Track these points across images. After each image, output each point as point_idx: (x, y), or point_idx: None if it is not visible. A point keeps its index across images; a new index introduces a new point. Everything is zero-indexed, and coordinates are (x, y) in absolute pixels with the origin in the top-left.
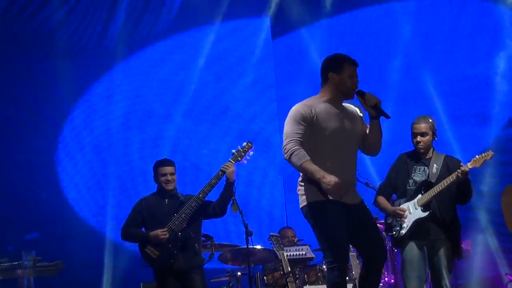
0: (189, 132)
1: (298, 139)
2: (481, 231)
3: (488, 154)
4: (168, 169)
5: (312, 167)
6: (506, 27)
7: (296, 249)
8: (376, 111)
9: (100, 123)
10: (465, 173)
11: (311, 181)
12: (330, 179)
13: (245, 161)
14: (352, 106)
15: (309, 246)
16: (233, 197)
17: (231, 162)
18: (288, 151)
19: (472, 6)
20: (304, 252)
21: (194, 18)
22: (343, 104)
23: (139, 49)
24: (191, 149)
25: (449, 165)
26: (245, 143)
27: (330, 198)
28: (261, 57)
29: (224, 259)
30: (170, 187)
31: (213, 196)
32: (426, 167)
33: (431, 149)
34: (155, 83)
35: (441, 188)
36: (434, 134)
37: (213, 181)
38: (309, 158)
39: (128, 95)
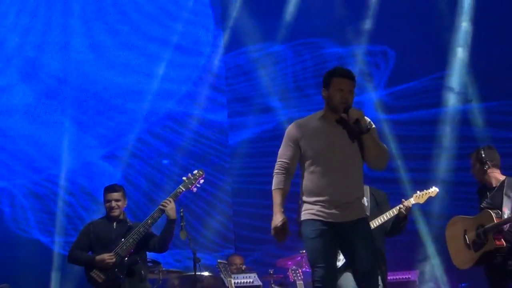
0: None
1: (284, 161)
2: (429, 262)
3: (432, 191)
4: (114, 195)
5: (275, 199)
6: None
7: (243, 277)
8: (357, 127)
9: None
10: (408, 209)
11: (304, 201)
12: (274, 220)
13: (195, 189)
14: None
15: (256, 274)
16: (183, 223)
17: (170, 200)
18: (273, 173)
19: None
20: (251, 280)
21: None
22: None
23: None
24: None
25: (376, 198)
26: (196, 171)
27: (317, 218)
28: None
29: (171, 285)
30: (114, 213)
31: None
32: None
33: None
34: None
35: (381, 222)
36: None
37: (155, 214)
38: (281, 186)
39: None
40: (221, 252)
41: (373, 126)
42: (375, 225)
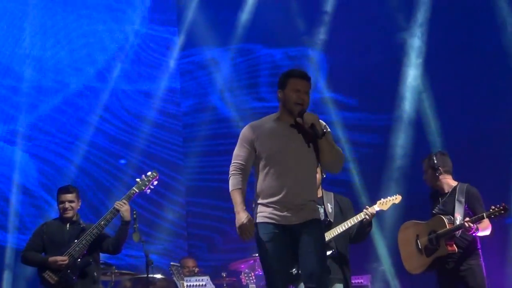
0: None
1: (239, 162)
2: (380, 266)
3: (396, 198)
4: (67, 196)
5: (236, 199)
6: None
7: (196, 280)
8: (312, 131)
9: None
10: (372, 216)
11: (258, 202)
12: (239, 219)
13: (148, 191)
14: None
15: (209, 276)
16: (136, 225)
17: (124, 201)
18: (229, 174)
19: None
20: (204, 283)
21: None
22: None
23: None
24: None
25: (340, 205)
26: (149, 173)
27: (270, 221)
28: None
29: (124, 287)
30: (67, 214)
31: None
32: (319, 206)
33: (320, 188)
34: None
35: (345, 228)
36: (322, 171)
37: (108, 216)
38: (239, 186)
39: None
40: (174, 255)
41: (328, 130)
42: (338, 231)
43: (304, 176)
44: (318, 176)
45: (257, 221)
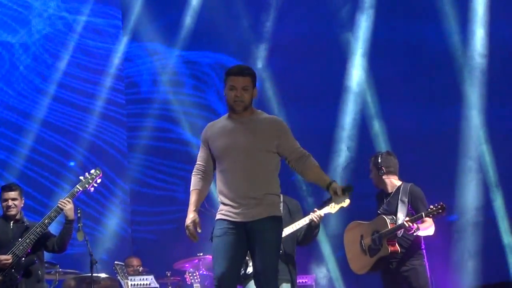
0: None
1: (199, 163)
2: (325, 266)
3: (344, 201)
4: (10, 194)
5: (191, 199)
6: None
7: (140, 279)
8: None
9: None
10: (320, 218)
11: (219, 201)
12: (187, 219)
13: (92, 188)
14: (268, 120)
15: (154, 275)
16: (80, 224)
17: (68, 200)
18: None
19: None
20: (148, 282)
21: None
22: (261, 117)
23: None
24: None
25: (289, 207)
26: (93, 170)
27: (225, 217)
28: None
29: (68, 286)
30: (11, 212)
31: None
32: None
33: None
34: None
35: (292, 230)
36: None
37: (52, 214)
38: (196, 187)
39: None
40: (118, 254)
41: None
42: (286, 233)
43: (253, 172)
44: None
45: (216, 218)
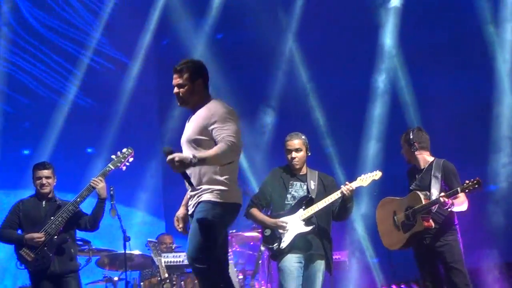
0: None
1: None
2: (358, 243)
3: (376, 174)
4: (44, 172)
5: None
6: None
7: (173, 256)
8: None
9: None
10: (351, 191)
11: None
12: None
13: (124, 167)
14: (206, 109)
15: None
16: (112, 202)
17: (100, 178)
18: None
19: None
20: (181, 259)
21: None
22: (206, 106)
23: None
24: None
25: (324, 183)
26: (125, 149)
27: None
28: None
29: (102, 264)
30: (44, 190)
31: None
32: (302, 183)
33: (305, 165)
34: None
35: (325, 204)
36: (307, 150)
37: (84, 193)
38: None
39: None
40: (151, 231)
41: (196, 160)
42: (319, 207)
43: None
44: (303, 154)
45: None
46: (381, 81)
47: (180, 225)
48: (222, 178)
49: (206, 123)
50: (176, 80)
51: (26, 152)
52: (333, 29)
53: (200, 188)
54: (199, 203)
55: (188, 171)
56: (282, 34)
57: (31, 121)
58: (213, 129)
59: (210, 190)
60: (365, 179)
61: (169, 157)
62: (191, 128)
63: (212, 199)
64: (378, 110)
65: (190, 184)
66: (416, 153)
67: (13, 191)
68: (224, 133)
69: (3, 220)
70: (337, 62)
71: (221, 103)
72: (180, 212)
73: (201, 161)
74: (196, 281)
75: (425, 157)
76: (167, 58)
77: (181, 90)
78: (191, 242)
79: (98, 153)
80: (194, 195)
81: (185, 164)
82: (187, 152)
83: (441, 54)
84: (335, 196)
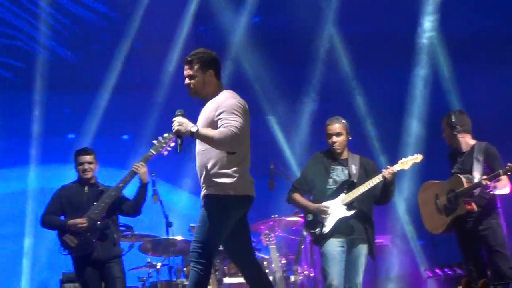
0: None
1: None
2: (401, 227)
3: (417, 157)
4: (86, 158)
5: None
6: None
7: None
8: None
9: None
10: (393, 175)
11: None
12: None
13: (165, 152)
14: (215, 100)
15: None
16: (154, 187)
17: (141, 163)
18: None
19: None
20: None
21: None
22: (216, 97)
23: None
24: None
25: (366, 166)
26: (166, 134)
27: None
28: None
29: (145, 249)
30: (87, 175)
31: None
32: (344, 167)
33: (346, 150)
34: None
35: (367, 188)
36: (348, 134)
37: (126, 178)
38: None
39: None
40: (193, 216)
41: (195, 129)
42: (361, 191)
43: (199, 150)
44: (344, 138)
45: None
46: (422, 68)
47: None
48: (228, 171)
49: (213, 114)
50: (187, 71)
51: (71, 136)
52: (374, 14)
53: (206, 181)
54: (204, 196)
55: (197, 159)
56: (322, 20)
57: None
58: (218, 119)
59: (215, 183)
60: (406, 162)
61: (175, 118)
62: (201, 120)
63: (216, 193)
64: (419, 93)
65: (180, 149)
66: (458, 136)
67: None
68: (228, 123)
69: (46, 206)
70: (379, 48)
71: (231, 95)
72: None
73: (199, 136)
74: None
75: (467, 140)
76: (205, 45)
77: (192, 81)
78: (195, 235)
79: (137, 140)
80: (202, 187)
81: (183, 129)
82: (199, 145)
83: (485, 44)
84: (376, 180)
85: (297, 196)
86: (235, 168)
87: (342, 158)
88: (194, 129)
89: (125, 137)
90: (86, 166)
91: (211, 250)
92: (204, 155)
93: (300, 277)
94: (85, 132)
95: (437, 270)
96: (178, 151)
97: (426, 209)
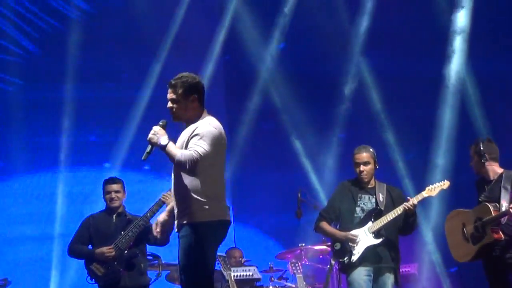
0: None
1: None
2: (427, 255)
3: (444, 184)
4: (113, 186)
5: None
6: None
7: (243, 270)
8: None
9: None
10: (413, 206)
11: None
12: None
13: None
14: (195, 125)
15: (256, 267)
16: None
17: (170, 193)
18: None
19: None
20: (251, 273)
21: None
22: (195, 124)
23: None
24: None
25: (392, 195)
26: None
27: None
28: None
29: (172, 278)
30: (114, 204)
31: None
32: (371, 196)
33: (373, 178)
34: None
35: (394, 216)
36: (375, 163)
37: (154, 207)
38: None
39: None
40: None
41: (164, 143)
42: (388, 219)
43: (175, 178)
44: (371, 166)
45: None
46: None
47: (157, 229)
48: (202, 197)
49: (188, 136)
50: (170, 94)
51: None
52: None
53: (182, 208)
54: (181, 226)
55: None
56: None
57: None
58: (189, 142)
59: (190, 211)
60: (434, 189)
61: (154, 127)
62: (178, 142)
63: (193, 221)
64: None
65: (146, 157)
66: (486, 164)
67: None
68: (193, 147)
69: (74, 235)
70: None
71: (211, 122)
72: (161, 216)
73: (165, 150)
74: None
75: (494, 169)
76: (232, 72)
77: (174, 105)
78: (181, 269)
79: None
80: (177, 214)
81: (155, 138)
82: (174, 171)
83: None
84: (397, 211)
85: (324, 225)
86: (210, 194)
87: (369, 186)
88: (163, 143)
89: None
90: (113, 195)
91: (202, 277)
92: (178, 184)
93: None
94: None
95: None
96: (143, 158)
97: (453, 237)
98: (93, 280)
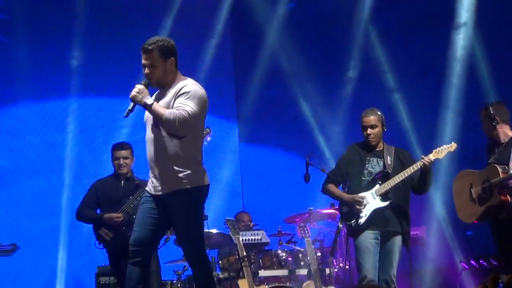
0: None
1: None
2: (436, 218)
3: (451, 146)
4: (122, 153)
5: None
6: None
7: (251, 234)
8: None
9: None
10: (430, 163)
11: None
12: None
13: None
14: (177, 85)
15: (265, 231)
16: None
17: None
18: None
19: None
20: (259, 237)
21: None
22: (178, 84)
23: None
24: None
25: (400, 158)
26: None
27: (148, 190)
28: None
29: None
30: (122, 170)
31: None
32: (379, 159)
33: (381, 141)
34: None
35: (402, 178)
36: (383, 126)
37: None
38: None
39: None
40: (229, 209)
41: (149, 102)
42: (395, 182)
43: (158, 146)
44: (379, 129)
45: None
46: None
47: None
48: (193, 161)
49: (174, 95)
50: (146, 60)
51: None
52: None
53: (171, 171)
54: (175, 192)
55: (156, 146)
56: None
57: None
58: (175, 102)
59: (182, 176)
60: (441, 151)
61: (137, 85)
62: (162, 105)
63: (192, 186)
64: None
65: (127, 114)
66: (497, 127)
67: None
68: (181, 107)
69: (82, 199)
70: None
71: (194, 82)
72: None
73: (151, 109)
74: (274, 259)
75: (505, 131)
76: (240, 30)
77: (153, 70)
78: (186, 234)
79: None
80: (163, 175)
81: (139, 97)
82: (155, 131)
83: None
84: (411, 169)
85: (332, 187)
86: (197, 158)
87: (377, 149)
88: (149, 102)
89: None
90: (122, 161)
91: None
92: (160, 143)
93: (335, 270)
94: None
95: (473, 262)
96: (125, 115)
97: (460, 198)
98: (102, 244)
